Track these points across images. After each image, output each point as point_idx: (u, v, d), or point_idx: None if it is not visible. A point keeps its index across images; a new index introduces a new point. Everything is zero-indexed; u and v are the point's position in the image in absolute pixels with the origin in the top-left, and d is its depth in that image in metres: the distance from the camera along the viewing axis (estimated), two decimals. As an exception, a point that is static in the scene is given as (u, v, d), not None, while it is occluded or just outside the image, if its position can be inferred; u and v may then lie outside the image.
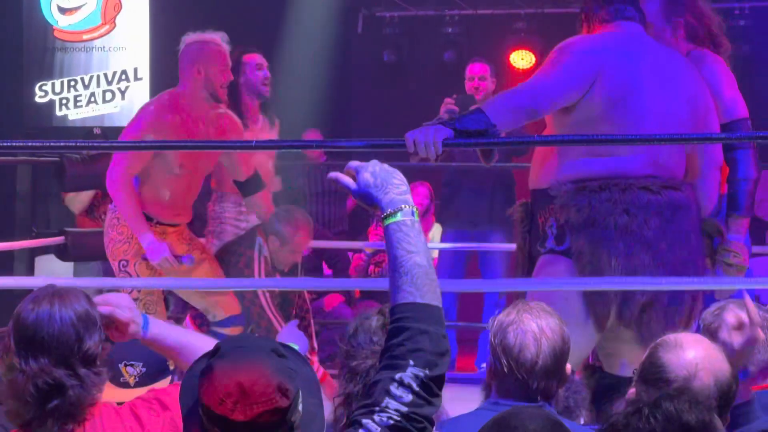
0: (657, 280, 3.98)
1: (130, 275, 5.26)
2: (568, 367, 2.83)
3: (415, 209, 2.31)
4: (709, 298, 4.18)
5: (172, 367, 3.12)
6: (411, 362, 2.14)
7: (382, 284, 5.15)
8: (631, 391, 2.61)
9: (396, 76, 10.25)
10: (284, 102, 9.74)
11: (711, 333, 3.29)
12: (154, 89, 9.08)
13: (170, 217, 5.41)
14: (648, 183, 4.04)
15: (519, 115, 4.04)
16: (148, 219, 5.29)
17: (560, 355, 2.77)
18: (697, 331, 3.38)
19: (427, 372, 2.14)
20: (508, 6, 9.88)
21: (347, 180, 2.39)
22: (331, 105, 9.91)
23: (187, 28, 9.30)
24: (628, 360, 4.10)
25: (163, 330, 2.65)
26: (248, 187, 5.67)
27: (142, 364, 3.17)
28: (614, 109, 4.03)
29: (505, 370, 2.78)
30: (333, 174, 2.44)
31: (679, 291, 4.05)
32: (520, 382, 2.77)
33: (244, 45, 6.16)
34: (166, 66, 9.22)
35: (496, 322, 2.85)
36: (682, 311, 4.06)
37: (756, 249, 6.96)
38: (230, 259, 5.68)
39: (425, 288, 2.22)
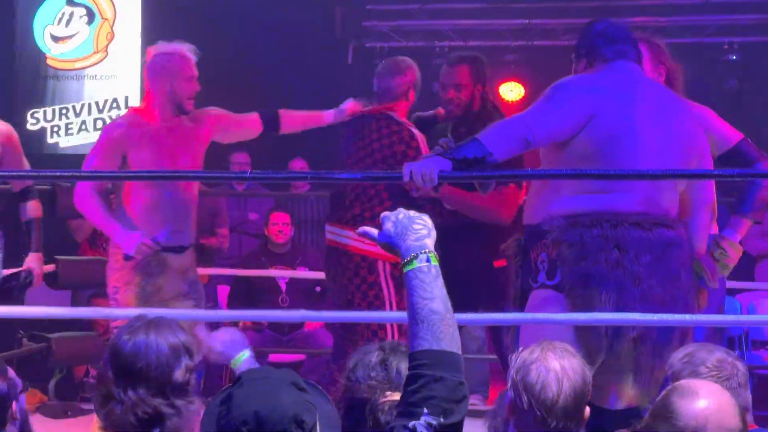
0: (647, 315, 4.00)
1: (118, 302, 5.22)
2: (587, 410, 2.84)
3: (432, 255, 2.34)
4: (699, 335, 4.21)
5: None
6: (425, 410, 2.17)
7: (371, 317, 5.15)
8: None
9: (385, 106, 10.27)
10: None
11: (678, 377, 3.31)
12: (145, 117, 9.10)
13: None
14: (640, 220, 4.07)
15: (514, 144, 4.08)
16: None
17: (581, 396, 2.79)
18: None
19: (441, 420, 2.17)
20: (498, 38, 9.93)
21: (372, 232, 2.46)
22: (320, 135, 9.92)
23: (178, 58, 9.35)
24: (617, 392, 4.13)
25: None
26: None
27: None
28: (608, 148, 4.07)
29: (525, 406, 2.80)
30: (362, 229, 2.51)
31: (669, 327, 4.08)
32: (539, 419, 2.79)
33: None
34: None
35: (519, 359, 2.88)
36: (672, 347, 4.07)
37: (744, 285, 7.01)
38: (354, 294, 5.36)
39: (441, 335, 2.24)
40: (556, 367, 2.79)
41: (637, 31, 4.54)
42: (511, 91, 9.82)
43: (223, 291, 8.32)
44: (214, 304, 8.16)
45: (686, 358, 3.32)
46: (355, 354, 2.71)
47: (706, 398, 2.55)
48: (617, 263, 4.04)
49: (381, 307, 5.25)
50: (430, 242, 2.37)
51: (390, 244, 2.40)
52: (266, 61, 9.80)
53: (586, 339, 4.05)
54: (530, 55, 9.78)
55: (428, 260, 2.33)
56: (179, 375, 2.53)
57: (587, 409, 2.83)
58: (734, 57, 9.17)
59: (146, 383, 2.49)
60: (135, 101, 8.90)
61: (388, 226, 2.42)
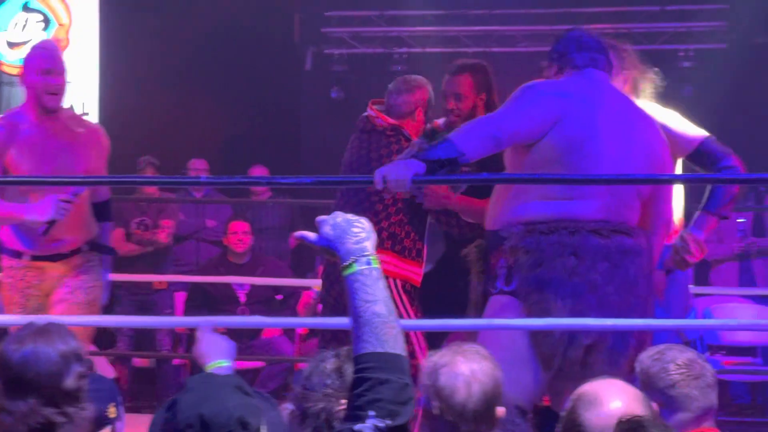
0: (600, 320, 4.01)
1: None
2: (500, 410, 2.84)
3: (372, 257, 2.34)
4: (658, 342, 4.22)
5: (113, 416, 3.09)
6: (371, 413, 2.16)
7: (329, 324, 5.13)
8: None
9: (344, 113, 10.27)
10: (232, 138, 9.78)
11: (649, 377, 3.33)
12: (102, 124, 9.05)
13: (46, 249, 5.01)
14: (598, 227, 4.08)
15: (485, 143, 4.08)
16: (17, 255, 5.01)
17: (491, 399, 2.77)
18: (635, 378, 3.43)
19: (388, 422, 2.16)
20: (456, 45, 9.95)
21: (310, 236, 2.44)
22: (279, 141, 9.92)
23: (135, 64, 9.33)
24: (574, 398, 4.14)
25: None
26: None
27: None
28: (570, 154, 4.08)
29: (436, 411, 2.79)
30: (298, 233, 2.49)
31: (624, 334, 4.09)
32: (449, 425, 2.78)
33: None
34: (114, 101, 9.23)
35: (430, 364, 2.86)
36: (627, 354, 4.08)
37: (700, 290, 7.06)
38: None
39: (385, 337, 2.24)
40: (465, 371, 2.77)
41: (606, 38, 4.56)
42: (469, 98, 9.82)
43: (181, 298, 8.29)
44: (171, 311, 8.13)
45: (657, 355, 3.34)
46: (310, 362, 2.69)
47: (610, 402, 2.54)
48: (573, 270, 4.05)
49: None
50: (369, 245, 2.37)
51: (328, 248, 2.39)
52: (224, 67, 9.78)
53: (540, 345, 4.06)
54: (488, 62, 9.77)
55: (369, 263, 2.33)
56: (70, 382, 2.51)
57: (500, 410, 2.82)
58: (689, 64, 9.23)
59: (36, 393, 2.48)
60: (92, 107, 8.86)
61: (326, 229, 2.41)
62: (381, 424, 2.16)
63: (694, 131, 4.46)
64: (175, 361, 8.16)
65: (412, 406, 2.22)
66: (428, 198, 4.80)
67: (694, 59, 9.30)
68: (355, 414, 2.18)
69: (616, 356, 4.08)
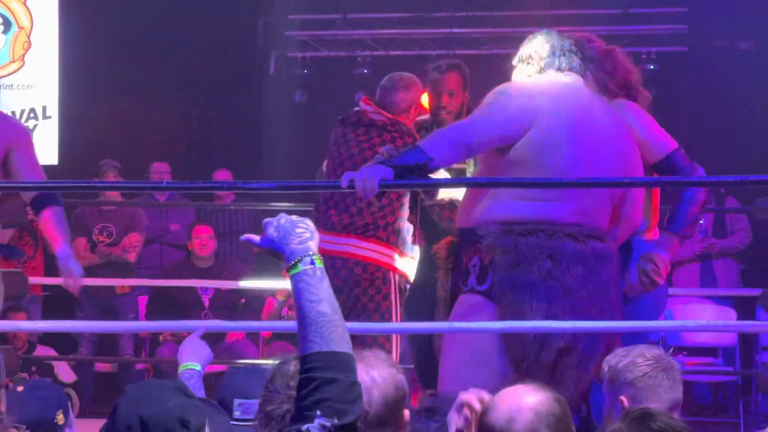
0: (573, 323, 4.02)
1: None
2: (406, 413, 2.86)
3: (316, 257, 2.35)
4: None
5: (61, 422, 3.07)
6: (318, 412, 2.18)
7: (292, 327, 5.12)
8: None
9: (308, 116, 10.27)
10: (195, 141, 9.75)
11: (618, 371, 3.34)
12: (64, 127, 9.01)
13: None
14: (574, 231, 4.08)
15: (456, 150, 4.09)
16: None
17: (393, 402, 2.80)
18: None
19: (335, 421, 2.18)
20: (420, 48, 9.96)
21: (255, 238, 2.46)
22: (243, 145, 9.89)
23: (97, 67, 9.28)
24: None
25: None
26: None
27: (25, 426, 3.10)
28: (545, 155, 4.07)
29: None
30: (243, 237, 2.51)
31: (594, 339, 4.10)
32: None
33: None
34: (75, 104, 9.17)
35: None
36: (596, 359, 4.09)
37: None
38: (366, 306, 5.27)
39: (331, 336, 2.26)
40: (364, 379, 2.79)
41: (599, 41, 4.57)
42: (434, 101, 9.82)
43: (144, 302, 8.26)
44: (135, 316, 8.09)
45: (624, 352, 3.37)
46: (272, 364, 2.69)
47: (505, 400, 2.55)
48: (549, 274, 4.04)
49: (389, 318, 5.22)
50: (313, 245, 2.38)
51: (273, 249, 2.40)
52: (187, 70, 9.75)
53: (513, 347, 4.06)
54: (452, 65, 9.80)
55: (312, 263, 2.34)
56: None
57: (406, 413, 2.85)
58: (652, 66, 9.28)
59: None
60: (53, 111, 8.81)
61: (271, 231, 2.41)
62: (328, 423, 2.17)
63: (665, 141, 4.45)
64: (138, 366, 8.12)
65: (360, 404, 2.24)
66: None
67: (657, 62, 9.35)
68: (302, 414, 2.19)
69: (587, 360, 4.09)
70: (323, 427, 2.16)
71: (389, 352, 5.19)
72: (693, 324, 7.08)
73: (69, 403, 3.05)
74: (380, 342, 5.14)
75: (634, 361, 3.34)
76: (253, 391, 3.28)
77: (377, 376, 2.81)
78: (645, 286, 4.37)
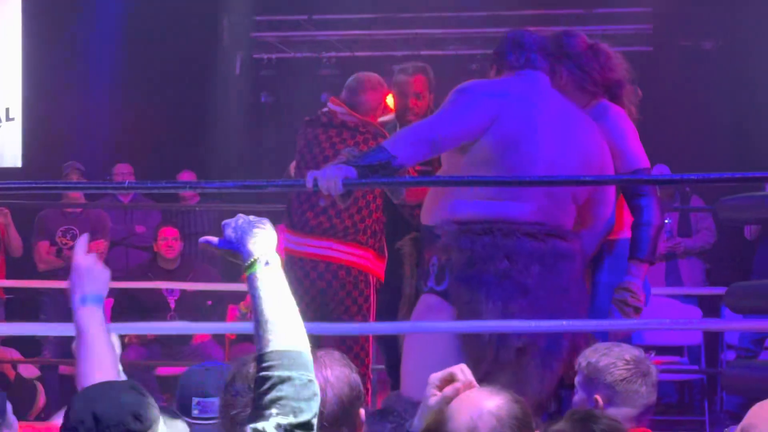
0: (528, 322, 4.01)
1: None
2: (362, 412, 2.86)
3: (272, 257, 2.36)
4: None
5: None
6: (273, 411, 2.18)
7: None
8: None
9: (273, 117, 10.25)
10: (160, 143, 9.70)
11: (597, 370, 3.35)
12: (27, 129, 8.95)
13: None
14: (533, 230, 4.07)
15: (419, 147, 4.08)
16: None
17: (348, 402, 2.79)
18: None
19: (291, 419, 2.18)
20: (385, 48, 9.96)
21: (213, 240, 2.47)
22: (208, 146, 9.86)
23: (61, 68, 9.23)
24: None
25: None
26: None
27: None
28: (506, 154, 4.07)
29: None
30: (202, 239, 2.51)
31: (558, 337, 4.09)
32: None
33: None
34: (39, 106, 9.11)
35: None
36: (561, 357, 4.09)
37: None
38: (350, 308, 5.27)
39: (285, 334, 2.26)
40: (318, 378, 2.80)
41: (581, 36, 4.54)
42: (399, 101, 9.82)
43: (110, 304, 8.20)
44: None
45: (605, 350, 3.37)
46: (232, 366, 2.67)
47: (466, 407, 2.51)
48: (505, 273, 4.04)
49: (367, 318, 5.22)
50: (270, 244, 2.38)
51: (231, 250, 2.41)
52: (152, 71, 9.70)
53: (469, 347, 4.05)
54: (418, 65, 9.80)
55: (268, 263, 2.35)
56: None
57: (362, 412, 2.85)
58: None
59: None
60: (16, 113, 8.74)
61: (229, 232, 2.42)
62: (283, 421, 2.16)
63: (637, 156, 4.41)
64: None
65: (316, 402, 2.24)
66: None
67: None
68: (258, 413, 2.19)
69: (550, 359, 4.08)
70: (279, 425, 2.16)
71: (368, 353, 5.23)
72: (657, 323, 7.10)
73: (9, 405, 3.01)
74: (361, 343, 5.19)
75: (615, 363, 3.35)
76: (211, 389, 3.26)
77: (330, 375, 2.80)
78: (628, 316, 4.37)
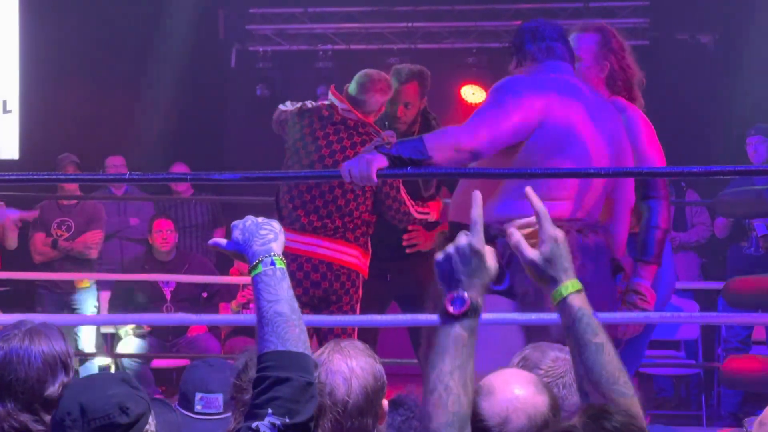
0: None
1: None
2: (385, 403, 2.87)
3: (277, 258, 2.38)
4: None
5: None
6: (269, 411, 2.19)
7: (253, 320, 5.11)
8: None
9: (269, 110, 10.20)
10: (156, 136, 9.69)
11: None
12: (24, 122, 8.94)
13: None
14: (580, 227, 4.07)
15: (459, 156, 3.99)
16: None
17: (372, 393, 2.81)
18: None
19: (286, 420, 2.19)
20: (381, 41, 9.97)
21: (221, 242, 2.49)
22: (204, 138, 9.85)
23: (57, 60, 9.21)
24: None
25: None
26: None
27: None
28: (554, 156, 4.02)
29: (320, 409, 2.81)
30: (211, 241, 2.53)
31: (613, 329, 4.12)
32: (333, 421, 2.79)
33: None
34: (36, 98, 9.10)
35: None
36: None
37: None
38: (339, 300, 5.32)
39: (287, 336, 2.28)
40: (343, 369, 2.80)
41: (619, 35, 4.55)
42: (395, 95, 9.83)
43: (106, 297, 8.21)
44: (97, 311, 8.06)
45: (522, 362, 3.36)
46: (244, 354, 2.69)
47: (504, 391, 2.56)
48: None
49: (354, 313, 5.27)
50: (276, 246, 2.40)
51: (238, 251, 2.43)
52: (147, 63, 9.69)
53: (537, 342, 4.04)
54: (413, 59, 9.79)
55: (273, 263, 2.37)
56: (52, 391, 2.50)
57: (385, 403, 2.86)
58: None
59: (14, 397, 2.46)
60: (14, 105, 8.74)
61: (236, 234, 2.45)
62: (278, 421, 2.18)
63: (653, 158, 4.40)
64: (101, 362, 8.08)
65: (314, 404, 2.26)
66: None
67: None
68: (253, 412, 2.21)
69: None
70: (273, 425, 2.18)
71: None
72: (658, 317, 7.10)
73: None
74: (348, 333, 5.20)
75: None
76: (215, 385, 3.27)
77: (356, 366, 2.82)
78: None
